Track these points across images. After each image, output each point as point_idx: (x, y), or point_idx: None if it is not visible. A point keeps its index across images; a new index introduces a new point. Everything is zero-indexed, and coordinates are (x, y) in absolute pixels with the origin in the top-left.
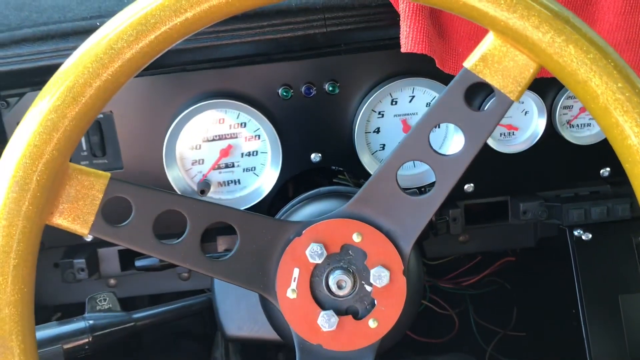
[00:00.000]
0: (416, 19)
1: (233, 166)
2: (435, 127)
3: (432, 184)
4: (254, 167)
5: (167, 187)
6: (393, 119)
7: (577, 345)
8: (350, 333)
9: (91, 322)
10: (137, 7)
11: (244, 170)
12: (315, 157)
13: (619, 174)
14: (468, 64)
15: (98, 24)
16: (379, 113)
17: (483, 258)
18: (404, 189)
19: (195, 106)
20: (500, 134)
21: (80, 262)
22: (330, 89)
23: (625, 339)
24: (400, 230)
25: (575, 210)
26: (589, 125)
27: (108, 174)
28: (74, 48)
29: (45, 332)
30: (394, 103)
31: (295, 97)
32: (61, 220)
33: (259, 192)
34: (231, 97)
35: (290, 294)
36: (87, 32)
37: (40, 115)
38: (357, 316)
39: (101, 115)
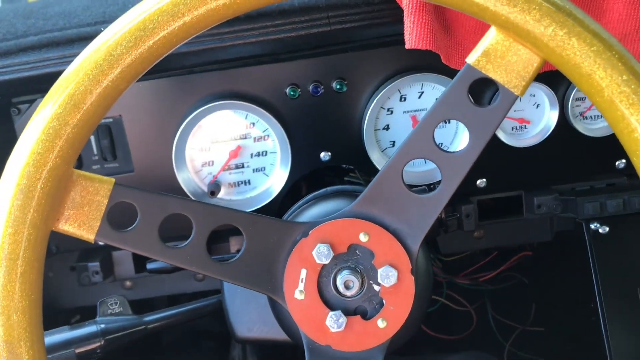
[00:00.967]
0: (420, 15)
1: (243, 167)
2: (445, 123)
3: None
4: (264, 168)
5: (178, 189)
6: (402, 115)
7: (596, 340)
8: (359, 333)
9: (103, 326)
10: (135, 12)
11: (253, 170)
12: (324, 155)
13: None
14: (471, 59)
15: (103, 29)
16: (388, 110)
17: (499, 253)
18: (414, 187)
19: (203, 108)
20: (512, 128)
21: (94, 265)
22: (338, 87)
23: None
24: (407, 228)
25: (590, 203)
26: (602, 117)
27: (112, 180)
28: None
29: (58, 336)
30: (402, 99)
31: (303, 96)
32: (67, 227)
33: (269, 192)
34: (239, 98)
35: (298, 295)
36: (92, 38)
37: (43, 123)
38: (365, 316)
39: (111, 120)
